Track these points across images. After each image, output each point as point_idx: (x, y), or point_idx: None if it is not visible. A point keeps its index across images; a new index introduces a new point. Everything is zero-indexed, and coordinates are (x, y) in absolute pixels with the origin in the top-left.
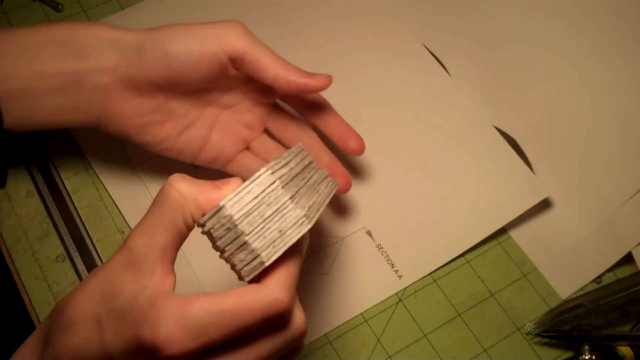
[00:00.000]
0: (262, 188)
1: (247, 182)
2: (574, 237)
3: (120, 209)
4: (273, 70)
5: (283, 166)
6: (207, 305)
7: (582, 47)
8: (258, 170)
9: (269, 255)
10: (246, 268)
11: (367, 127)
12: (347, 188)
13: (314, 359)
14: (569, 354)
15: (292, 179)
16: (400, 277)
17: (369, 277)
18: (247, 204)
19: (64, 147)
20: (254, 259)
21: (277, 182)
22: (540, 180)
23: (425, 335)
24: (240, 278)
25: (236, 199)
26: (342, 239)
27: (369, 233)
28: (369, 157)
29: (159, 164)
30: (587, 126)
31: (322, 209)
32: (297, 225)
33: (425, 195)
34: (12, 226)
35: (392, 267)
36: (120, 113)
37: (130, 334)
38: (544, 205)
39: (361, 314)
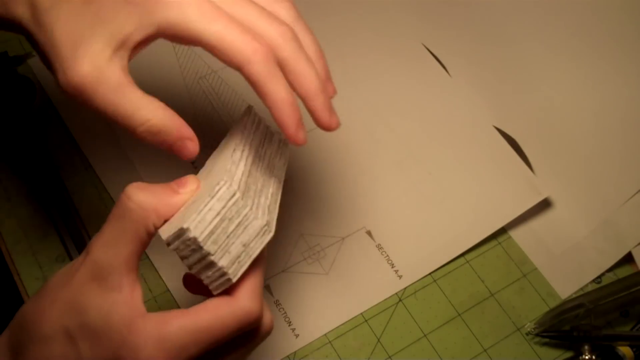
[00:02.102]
0: (223, 203)
1: (207, 199)
2: (574, 237)
3: None
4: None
5: (239, 161)
6: (184, 323)
7: (582, 47)
8: (217, 183)
9: (236, 272)
10: (214, 284)
11: (367, 126)
12: (298, 140)
13: (314, 359)
14: (569, 354)
15: (249, 175)
16: (400, 277)
17: (369, 277)
18: (210, 223)
19: (64, 147)
20: (221, 276)
21: (237, 194)
22: (540, 180)
23: (425, 335)
24: (209, 292)
25: (199, 219)
26: (342, 239)
27: (369, 233)
28: (369, 157)
29: (159, 163)
30: (588, 126)
31: (278, 200)
32: (260, 235)
33: (426, 195)
34: (12, 226)
35: (392, 267)
36: None
37: (109, 356)
38: (544, 205)
39: (361, 314)
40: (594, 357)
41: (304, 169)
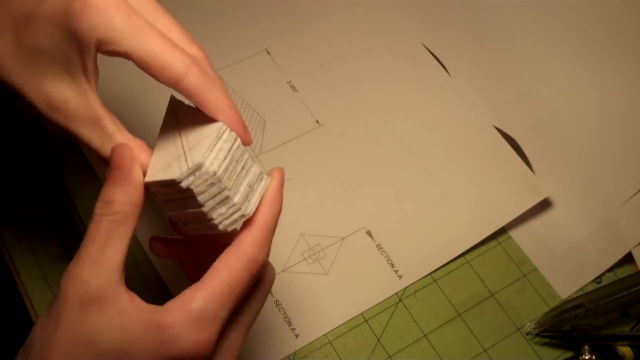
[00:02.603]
0: (229, 145)
1: (213, 141)
2: (574, 237)
3: None
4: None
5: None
6: (207, 294)
7: (582, 47)
8: (220, 127)
9: (247, 209)
10: (225, 222)
11: (366, 126)
12: (250, 140)
13: (314, 359)
14: (569, 354)
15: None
16: (400, 277)
17: (369, 277)
18: (224, 160)
19: (65, 147)
20: (234, 213)
21: (238, 139)
22: (540, 180)
23: (425, 335)
24: (212, 230)
25: (212, 157)
26: (342, 239)
27: (369, 233)
28: (369, 157)
29: None
30: (587, 126)
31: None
32: (260, 180)
33: (426, 195)
34: (12, 226)
35: (392, 267)
36: None
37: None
38: (544, 205)
39: (361, 314)
40: (594, 357)
41: (304, 169)
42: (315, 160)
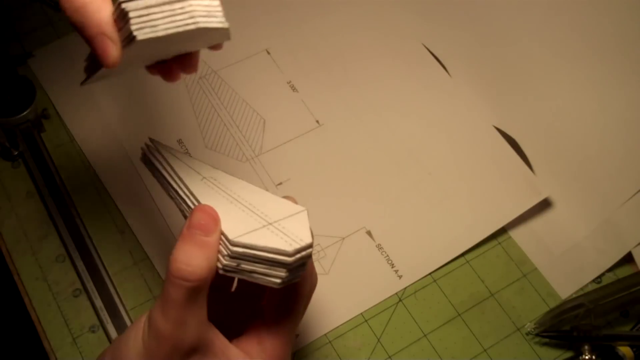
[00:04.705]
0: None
1: (305, 220)
2: (574, 237)
3: (120, 209)
4: None
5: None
6: (282, 340)
7: (582, 47)
8: (301, 208)
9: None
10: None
11: (366, 126)
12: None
13: (314, 359)
14: (569, 354)
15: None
16: (400, 277)
17: (369, 277)
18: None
19: (64, 147)
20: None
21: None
22: (540, 180)
23: (425, 335)
24: (268, 284)
25: (310, 234)
26: (342, 239)
27: (369, 233)
28: (369, 157)
29: None
30: (587, 126)
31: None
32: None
33: (425, 195)
34: (12, 226)
35: (392, 267)
36: None
37: None
38: (544, 205)
39: (361, 314)
40: (594, 357)
41: (304, 169)
42: (315, 160)
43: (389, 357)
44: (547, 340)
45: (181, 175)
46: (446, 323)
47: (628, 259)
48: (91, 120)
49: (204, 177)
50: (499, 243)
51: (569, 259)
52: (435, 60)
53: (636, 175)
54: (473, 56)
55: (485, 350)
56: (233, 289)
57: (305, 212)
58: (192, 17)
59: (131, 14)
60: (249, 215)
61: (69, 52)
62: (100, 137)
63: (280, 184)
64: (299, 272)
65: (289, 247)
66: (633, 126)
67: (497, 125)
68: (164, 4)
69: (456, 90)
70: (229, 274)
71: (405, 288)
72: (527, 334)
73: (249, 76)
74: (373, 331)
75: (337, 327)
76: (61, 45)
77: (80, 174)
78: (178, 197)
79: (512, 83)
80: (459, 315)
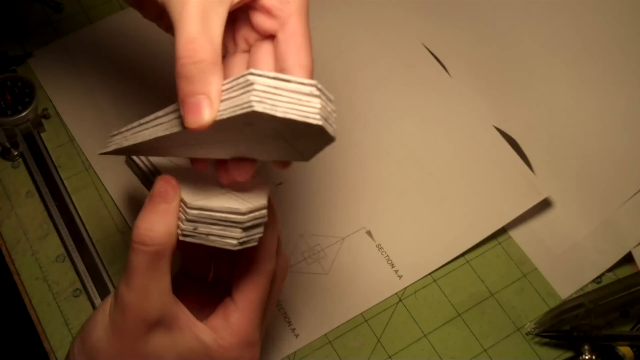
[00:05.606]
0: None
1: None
2: (574, 237)
3: (120, 209)
4: None
5: None
6: (248, 315)
7: (582, 47)
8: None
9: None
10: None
11: (366, 126)
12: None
13: (314, 359)
14: (569, 354)
15: None
16: (400, 277)
17: (369, 277)
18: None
19: (64, 147)
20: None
21: None
22: (540, 180)
23: (425, 335)
24: (225, 247)
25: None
26: (342, 239)
27: (369, 233)
28: (369, 157)
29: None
30: (587, 126)
31: None
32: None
33: (425, 195)
34: (12, 226)
35: (392, 267)
36: None
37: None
38: (544, 205)
39: (361, 314)
40: (594, 357)
41: (304, 169)
42: (315, 160)
43: (389, 357)
44: (547, 340)
45: (153, 160)
46: (446, 323)
47: (628, 259)
48: (91, 120)
49: (172, 161)
50: (499, 243)
51: (569, 259)
52: (435, 60)
53: (636, 175)
54: (473, 56)
55: (485, 350)
56: (210, 278)
57: (267, 186)
58: (315, 114)
59: (257, 86)
60: (210, 187)
61: (69, 52)
62: (100, 137)
63: (281, 184)
64: (255, 235)
65: (242, 206)
66: (633, 126)
67: (497, 125)
68: (294, 91)
69: (456, 90)
70: (187, 239)
71: (405, 288)
72: (527, 334)
73: None
74: (373, 331)
75: (337, 327)
76: (61, 45)
77: (80, 174)
78: (147, 180)
79: (512, 83)
80: (459, 315)
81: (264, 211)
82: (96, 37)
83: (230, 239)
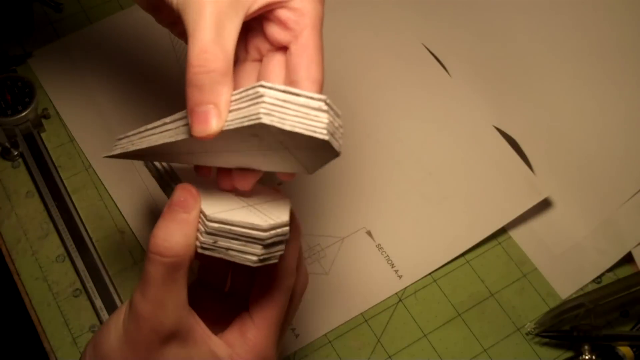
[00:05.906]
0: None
1: (288, 207)
2: (574, 237)
3: (120, 209)
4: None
5: None
6: (265, 333)
7: (582, 47)
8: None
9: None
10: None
11: (366, 127)
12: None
13: (314, 359)
14: (569, 354)
15: None
16: (400, 277)
17: (369, 277)
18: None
19: (64, 147)
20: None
21: None
22: (540, 180)
23: (425, 335)
24: (244, 262)
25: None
26: (342, 239)
27: (369, 233)
28: (369, 157)
29: None
30: (588, 126)
31: None
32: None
33: (425, 196)
34: (12, 226)
35: (392, 267)
36: None
37: None
38: (544, 205)
39: (361, 314)
40: (594, 357)
41: None
42: None
43: (389, 357)
44: (547, 340)
45: (173, 165)
46: (446, 323)
47: (628, 259)
48: (91, 120)
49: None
50: (499, 243)
51: (569, 259)
52: (435, 60)
53: (636, 175)
54: (473, 56)
55: (485, 350)
56: (227, 288)
57: (288, 201)
58: (322, 129)
59: (266, 99)
60: (230, 198)
61: (69, 52)
62: (100, 137)
63: (280, 184)
64: (276, 252)
65: (264, 223)
66: (633, 126)
67: (497, 125)
68: (302, 105)
69: (456, 90)
70: (206, 252)
71: (405, 288)
72: (527, 334)
73: None
74: (373, 331)
75: (337, 327)
76: (61, 45)
77: (80, 174)
78: (166, 185)
79: (512, 83)
80: (459, 315)
81: (286, 228)
82: (96, 37)
83: (251, 255)
